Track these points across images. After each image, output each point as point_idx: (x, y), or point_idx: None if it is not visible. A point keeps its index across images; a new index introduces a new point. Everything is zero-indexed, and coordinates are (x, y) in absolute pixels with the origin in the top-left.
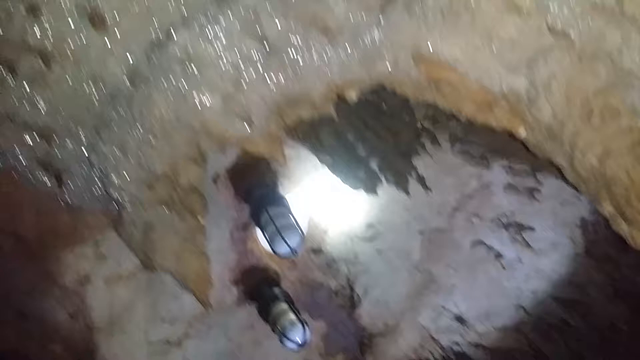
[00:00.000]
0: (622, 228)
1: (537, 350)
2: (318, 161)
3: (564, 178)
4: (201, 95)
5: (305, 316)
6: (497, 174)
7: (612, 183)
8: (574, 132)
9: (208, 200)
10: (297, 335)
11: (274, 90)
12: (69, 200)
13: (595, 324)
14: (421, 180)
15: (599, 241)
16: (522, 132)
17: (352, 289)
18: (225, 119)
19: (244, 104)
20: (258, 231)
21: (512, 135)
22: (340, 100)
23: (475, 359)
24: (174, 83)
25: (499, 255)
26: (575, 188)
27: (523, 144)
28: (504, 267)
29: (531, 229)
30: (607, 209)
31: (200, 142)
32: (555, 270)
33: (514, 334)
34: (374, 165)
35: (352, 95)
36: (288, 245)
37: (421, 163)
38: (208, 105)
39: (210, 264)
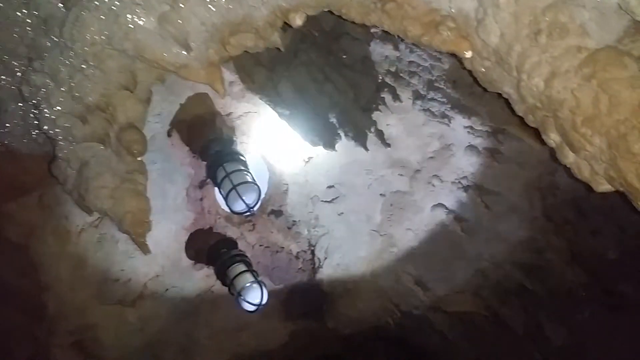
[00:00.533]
0: (570, 160)
1: (495, 314)
2: (277, 116)
3: (513, 114)
4: (134, 16)
5: (265, 279)
6: (458, 134)
7: (558, 106)
8: (521, 53)
9: (162, 156)
10: (255, 296)
11: (213, 10)
12: (7, 143)
13: (553, 289)
14: (381, 137)
15: (558, 205)
16: (468, 54)
17: (312, 253)
18: (161, 43)
19: (180, 26)
20: (215, 190)
21: (472, 93)
22: (286, 26)
23: (433, 322)
24: (106, 1)
25: (458, 219)
26: (523, 120)
27: (483, 101)
28: (463, 231)
29: (491, 192)
30: (554, 138)
31: (136, 70)
32: (514, 234)
33: (472, 298)
34: (333, 119)
35: (298, 21)
36: (244, 202)
37: (382, 119)
38: (142, 25)
39: (150, 205)
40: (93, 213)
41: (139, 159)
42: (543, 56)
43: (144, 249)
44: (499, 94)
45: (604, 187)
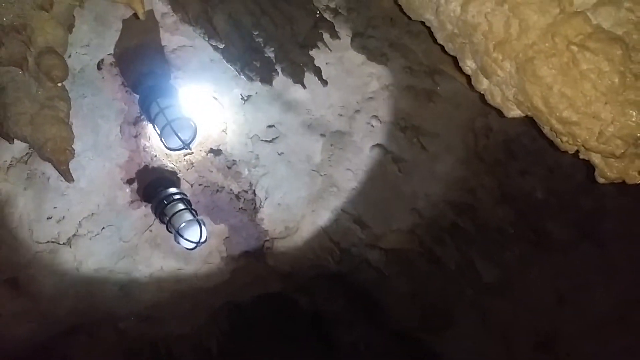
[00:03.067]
0: (484, 86)
1: (430, 251)
2: (212, 50)
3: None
4: None
5: (205, 219)
6: (397, 74)
7: (473, 31)
8: None
9: (93, 89)
10: (194, 234)
11: None
12: None
13: (484, 227)
14: (319, 74)
15: (490, 146)
16: None
17: (253, 193)
18: None
19: None
20: (151, 127)
21: (409, 32)
22: None
23: (371, 259)
24: None
25: (396, 159)
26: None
27: (419, 40)
28: (400, 171)
29: (427, 132)
30: (470, 65)
31: None
32: (448, 174)
33: (408, 235)
34: (270, 54)
35: None
36: (180, 139)
37: (320, 56)
38: None
39: (72, 132)
40: (14, 141)
41: (59, 84)
42: None
43: (67, 177)
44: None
45: (514, 112)
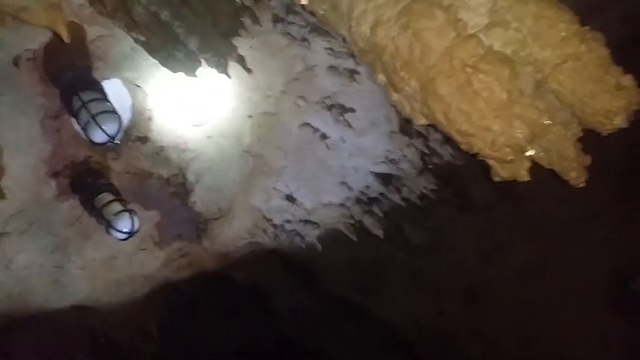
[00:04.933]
0: (395, 98)
1: (360, 222)
2: (133, 42)
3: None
4: None
5: (135, 206)
6: (320, 56)
7: (382, 52)
8: (350, 2)
9: (10, 87)
10: (125, 225)
11: None
12: None
13: (409, 195)
14: (242, 62)
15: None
16: (304, 1)
17: (184, 177)
18: None
19: None
20: (73, 120)
21: None
22: None
23: (304, 234)
24: None
25: (324, 136)
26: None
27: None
28: (328, 147)
29: (352, 110)
30: (381, 79)
31: None
32: (373, 148)
33: (339, 208)
34: (192, 46)
35: None
36: (105, 133)
37: (243, 44)
38: None
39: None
40: None
41: None
42: (368, 5)
43: None
44: None
45: (422, 121)
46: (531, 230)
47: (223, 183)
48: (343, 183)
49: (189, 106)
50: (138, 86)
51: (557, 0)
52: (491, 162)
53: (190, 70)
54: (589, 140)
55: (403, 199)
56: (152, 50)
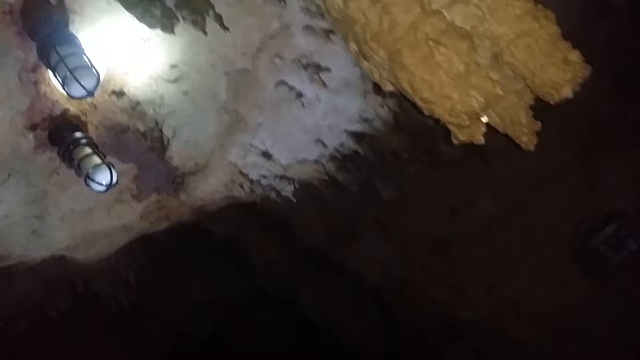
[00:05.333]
0: (365, 65)
1: (334, 178)
2: None
3: None
4: None
5: (112, 159)
6: (296, 15)
7: (354, 23)
8: None
9: None
10: (104, 177)
11: None
12: None
13: (381, 153)
14: (219, 19)
15: None
16: None
17: (160, 131)
18: None
19: None
20: (51, 73)
21: None
22: None
23: (279, 188)
24: None
25: (299, 95)
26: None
27: None
28: (304, 106)
29: (327, 69)
30: (353, 47)
31: None
32: (348, 107)
33: (313, 165)
34: (169, 2)
35: None
36: (83, 87)
37: (220, 1)
38: None
39: None
40: None
41: None
42: None
43: None
44: None
45: (389, 88)
46: (497, 186)
47: (199, 138)
48: (318, 140)
49: (165, 62)
50: (115, 41)
51: None
52: (450, 127)
53: (167, 27)
54: (551, 106)
55: (376, 156)
56: (129, 6)
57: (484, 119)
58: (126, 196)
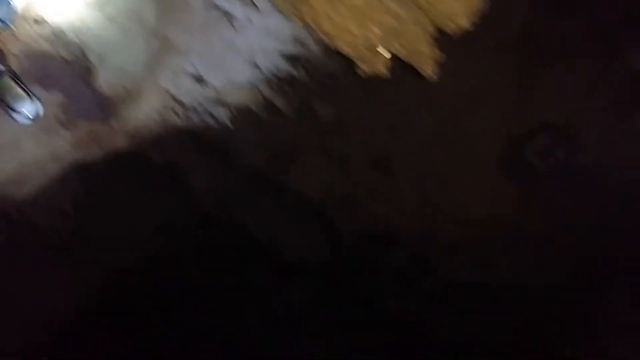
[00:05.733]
0: (277, 2)
1: (270, 102)
2: None
3: None
4: None
5: (37, 89)
6: None
7: None
8: None
9: None
10: (26, 107)
11: None
12: None
13: (316, 76)
14: None
15: None
16: None
17: (86, 58)
18: None
19: None
20: None
21: None
22: None
23: (216, 114)
24: None
25: (230, 16)
26: None
27: None
28: (235, 28)
29: None
30: None
31: None
32: (281, 29)
33: (249, 89)
34: None
35: None
36: None
37: None
38: None
39: None
40: None
41: None
42: None
43: None
44: None
45: (297, 22)
46: (433, 102)
47: (128, 65)
48: (252, 64)
49: None
50: None
51: None
52: (354, 60)
53: None
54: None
55: (312, 79)
56: None
57: (384, 52)
58: (54, 125)
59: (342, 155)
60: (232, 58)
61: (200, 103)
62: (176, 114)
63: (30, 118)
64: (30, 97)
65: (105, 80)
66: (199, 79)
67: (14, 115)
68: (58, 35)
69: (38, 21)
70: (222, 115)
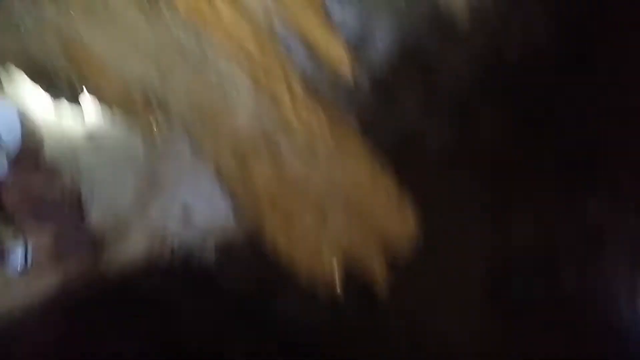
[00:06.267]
0: None
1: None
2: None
3: None
4: None
5: (30, 224)
6: None
7: None
8: None
9: None
10: (18, 259)
11: None
12: None
13: None
14: None
15: None
16: None
17: (79, 197)
18: None
19: None
20: None
21: None
22: None
23: (203, 251)
24: None
25: None
26: None
27: None
28: None
29: None
30: None
31: None
32: None
33: (236, 227)
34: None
35: None
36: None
37: None
38: None
39: None
40: None
41: None
42: None
43: None
44: None
45: None
46: None
47: (118, 203)
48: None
49: (79, 131)
50: (28, 112)
51: None
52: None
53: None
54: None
55: None
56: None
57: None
58: (44, 260)
59: None
60: (219, 197)
61: (187, 239)
62: (164, 249)
63: (21, 271)
64: (22, 247)
65: (96, 217)
66: (187, 216)
67: (5, 265)
68: (52, 179)
69: (35, 165)
70: (209, 251)
